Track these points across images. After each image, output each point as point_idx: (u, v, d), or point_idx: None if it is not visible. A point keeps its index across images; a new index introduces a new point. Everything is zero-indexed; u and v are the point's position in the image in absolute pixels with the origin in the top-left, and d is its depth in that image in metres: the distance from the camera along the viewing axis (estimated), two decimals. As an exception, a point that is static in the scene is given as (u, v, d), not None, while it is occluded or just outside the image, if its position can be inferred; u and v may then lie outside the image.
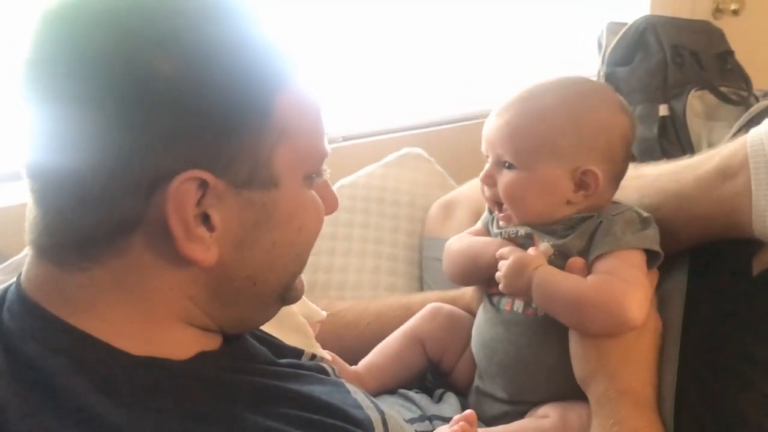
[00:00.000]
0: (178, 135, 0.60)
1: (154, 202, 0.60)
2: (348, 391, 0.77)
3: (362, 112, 1.80)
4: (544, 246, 0.91)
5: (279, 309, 0.76)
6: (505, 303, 0.96)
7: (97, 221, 0.61)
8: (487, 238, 1.00)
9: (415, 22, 1.85)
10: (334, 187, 1.43)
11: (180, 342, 0.67)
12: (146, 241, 0.62)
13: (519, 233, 0.95)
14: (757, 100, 1.86)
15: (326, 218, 1.40)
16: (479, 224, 1.06)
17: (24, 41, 0.60)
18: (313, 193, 0.71)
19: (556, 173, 0.92)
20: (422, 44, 1.88)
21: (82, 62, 0.59)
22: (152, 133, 0.59)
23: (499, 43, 2.05)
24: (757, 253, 0.90)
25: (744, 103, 1.88)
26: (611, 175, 0.94)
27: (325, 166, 0.73)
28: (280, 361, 0.77)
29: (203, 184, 0.61)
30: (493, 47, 2.04)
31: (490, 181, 0.96)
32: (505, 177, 0.94)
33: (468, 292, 1.10)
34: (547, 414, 0.91)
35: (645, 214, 0.92)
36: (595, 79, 1.98)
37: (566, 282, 0.87)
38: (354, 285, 1.38)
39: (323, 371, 0.81)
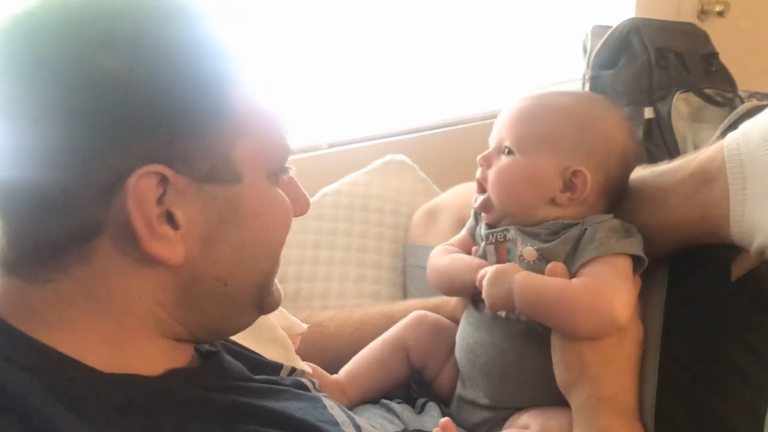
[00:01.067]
0: (131, 133, 0.59)
1: (115, 204, 0.60)
2: (325, 407, 0.77)
3: (346, 118, 1.79)
4: (527, 250, 0.91)
5: (255, 317, 0.74)
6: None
7: (59, 228, 0.60)
8: (467, 258, 1.00)
9: (398, 28, 1.85)
10: (318, 195, 1.45)
11: (151, 356, 0.66)
12: (111, 245, 0.61)
13: (507, 236, 0.94)
14: (743, 101, 1.87)
15: (309, 226, 1.44)
16: (464, 231, 1.06)
17: None
18: (279, 191, 0.70)
19: (547, 166, 0.93)
20: (406, 50, 1.88)
21: (32, 70, 0.59)
22: (105, 132, 0.59)
23: (484, 48, 2.05)
24: (735, 258, 0.89)
25: (729, 104, 1.88)
26: (601, 188, 0.94)
27: (290, 165, 0.72)
28: (256, 377, 0.76)
29: (163, 180, 0.60)
30: (477, 52, 2.04)
31: (485, 163, 0.97)
32: (501, 161, 0.95)
33: (451, 300, 1.10)
34: (528, 424, 0.90)
35: (627, 224, 0.92)
36: (580, 83, 1.99)
37: (549, 284, 0.87)
38: (338, 294, 1.38)
39: (301, 386, 0.80)
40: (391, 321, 1.10)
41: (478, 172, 0.98)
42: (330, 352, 1.09)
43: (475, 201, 0.98)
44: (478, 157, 0.98)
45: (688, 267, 0.93)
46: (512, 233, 0.94)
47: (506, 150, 0.95)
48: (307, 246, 1.42)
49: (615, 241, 0.88)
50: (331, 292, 1.39)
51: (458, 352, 0.99)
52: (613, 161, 0.94)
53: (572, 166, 0.92)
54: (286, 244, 1.36)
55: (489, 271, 0.89)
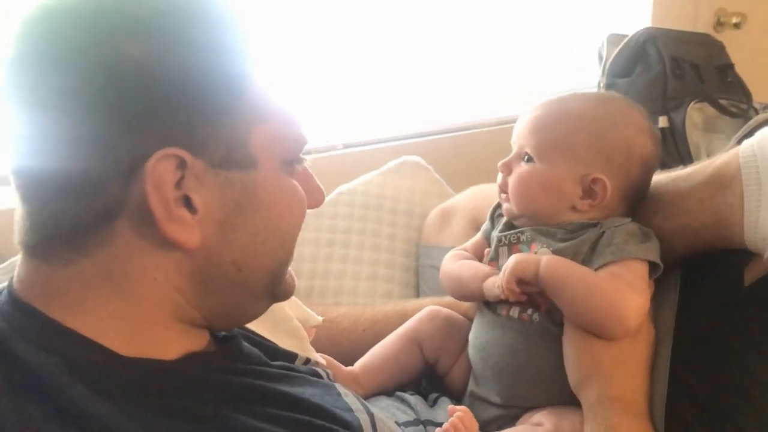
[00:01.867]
0: (151, 116, 0.60)
1: (134, 186, 0.61)
2: (339, 394, 0.77)
3: (362, 120, 1.80)
4: (543, 251, 0.92)
5: (269, 305, 0.76)
6: (502, 308, 0.96)
7: (80, 210, 0.61)
8: (475, 266, 1.01)
9: (415, 31, 1.86)
10: (333, 194, 1.46)
11: (168, 341, 0.67)
12: (130, 227, 0.62)
13: (520, 238, 0.96)
14: (757, 112, 1.87)
15: (324, 224, 1.45)
16: (479, 235, 1.07)
17: (7, 44, 0.62)
18: (294, 181, 0.71)
19: (567, 174, 0.93)
20: (422, 53, 1.88)
21: (55, 55, 0.60)
22: (125, 115, 0.60)
23: (500, 54, 2.06)
24: (748, 263, 0.90)
25: (743, 115, 1.88)
26: (622, 192, 0.95)
27: (305, 156, 0.73)
28: (273, 362, 0.77)
29: (182, 164, 0.61)
30: (493, 58, 2.04)
31: (506, 169, 0.98)
32: (521, 168, 0.96)
33: (458, 307, 1.11)
34: (541, 422, 0.91)
35: (645, 228, 0.93)
36: (595, 89, 2.00)
37: (575, 266, 0.89)
38: (350, 291, 1.38)
39: (316, 374, 0.81)
40: (403, 318, 1.11)
41: (499, 178, 0.99)
42: (343, 348, 1.10)
43: (498, 206, 1.00)
44: (499, 164, 0.99)
45: (700, 271, 0.93)
46: (527, 235, 0.95)
47: (526, 156, 0.96)
48: (321, 244, 1.43)
49: (633, 246, 0.89)
50: (344, 289, 1.39)
51: (471, 351, 1.00)
52: (634, 165, 0.95)
53: (591, 173, 0.93)
54: (300, 241, 1.38)
55: (511, 258, 0.91)
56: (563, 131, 0.95)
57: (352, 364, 1.04)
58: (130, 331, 0.64)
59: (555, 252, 0.91)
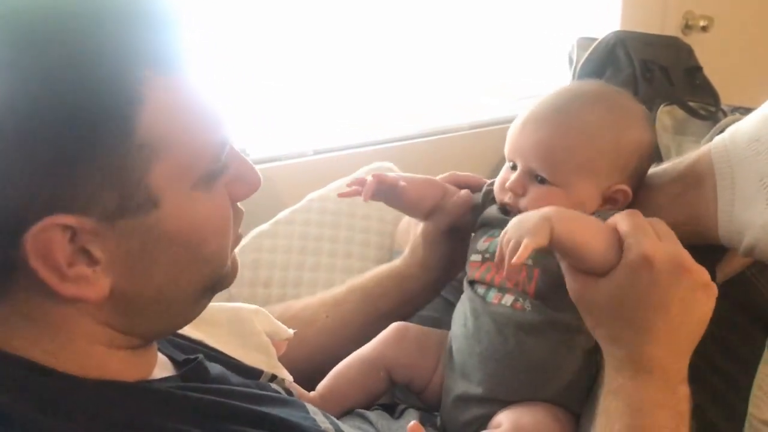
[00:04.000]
0: (26, 179, 0.54)
1: (21, 250, 0.55)
2: (307, 412, 0.76)
3: (332, 125, 1.79)
4: None
5: (210, 300, 0.71)
6: (493, 296, 0.94)
7: None
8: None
9: (385, 35, 1.85)
10: (304, 201, 1.45)
11: (117, 368, 0.64)
12: (33, 283, 0.57)
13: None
14: (725, 115, 1.88)
15: (296, 231, 1.43)
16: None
17: None
18: (215, 196, 0.65)
19: (590, 191, 0.92)
20: (392, 58, 1.88)
21: None
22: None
23: (471, 59, 2.06)
24: (720, 261, 0.90)
25: (712, 118, 1.89)
26: (634, 188, 0.95)
27: (230, 151, 0.66)
28: (235, 380, 0.75)
29: (69, 227, 0.56)
30: (464, 62, 2.05)
31: (520, 191, 0.94)
32: (538, 191, 0.93)
33: (413, 263, 1.09)
34: (500, 423, 0.89)
35: None
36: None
37: (587, 217, 0.84)
38: (323, 300, 1.37)
39: (284, 392, 0.79)
40: (366, 294, 1.08)
41: (509, 197, 0.95)
42: (309, 340, 1.05)
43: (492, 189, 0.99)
44: (508, 185, 0.94)
45: None
46: None
47: (539, 178, 0.93)
48: (293, 251, 1.41)
49: None
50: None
51: (456, 340, 0.97)
52: (644, 163, 0.96)
53: (613, 185, 0.92)
54: (271, 248, 1.37)
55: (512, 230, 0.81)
56: (582, 152, 0.91)
57: (319, 358, 1.02)
58: (68, 362, 0.61)
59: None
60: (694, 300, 0.76)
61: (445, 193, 1.04)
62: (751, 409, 0.88)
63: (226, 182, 0.66)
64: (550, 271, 0.89)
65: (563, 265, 0.82)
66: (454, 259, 1.06)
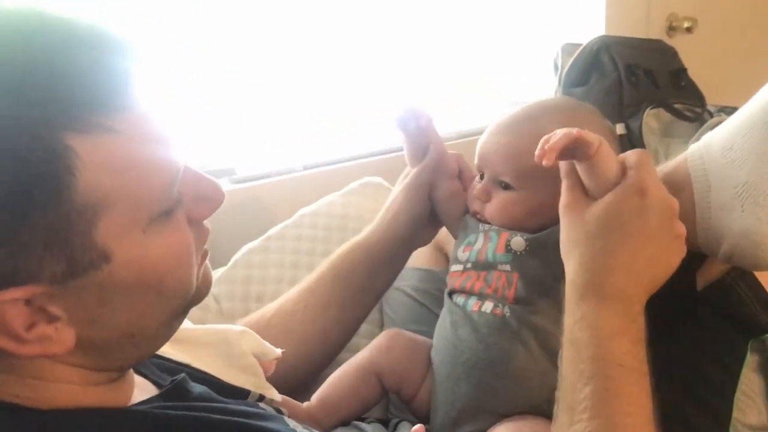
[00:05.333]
0: None
1: None
2: (287, 425, 0.76)
3: (320, 140, 1.80)
4: (516, 240, 0.92)
5: (182, 320, 0.70)
6: (472, 304, 0.95)
7: None
8: None
9: (370, 49, 1.86)
10: (295, 216, 1.46)
11: (97, 396, 0.64)
12: None
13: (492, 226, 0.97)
14: (711, 115, 1.89)
15: (287, 246, 1.44)
16: None
17: None
18: (168, 230, 0.62)
19: (552, 197, 0.92)
20: (378, 71, 1.89)
21: None
22: None
23: (457, 68, 2.07)
24: (700, 268, 0.91)
25: (699, 119, 1.91)
26: None
27: (184, 176, 0.63)
28: (218, 398, 0.76)
29: (16, 301, 0.55)
30: (450, 72, 2.05)
31: (485, 197, 0.97)
32: (502, 196, 0.96)
33: (385, 235, 1.09)
34: None
35: None
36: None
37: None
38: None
39: (273, 416, 0.79)
40: (335, 273, 1.08)
41: (477, 204, 0.99)
42: (296, 333, 1.06)
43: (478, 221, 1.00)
44: (476, 192, 0.98)
45: None
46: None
47: (503, 184, 0.95)
48: (285, 266, 1.41)
49: None
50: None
51: (439, 354, 0.98)
52: None
53: None
54: (263, 264, 1.37)
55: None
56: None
57: (306, 350, 1.03)
58: (47, 399, 0.61)
59: (529, 241, 0.92)
60: (669, 243, 0.80)
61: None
62: (735, 413, 0.89)
63: (186, 208, 0.65)
64: (528, 276, 0.91)
65: (565, 182, 0.84)
66: (423, 220, 1.08)
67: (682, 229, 0.81)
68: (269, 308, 1.11)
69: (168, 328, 0.68)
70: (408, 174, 1.11)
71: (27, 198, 0.52)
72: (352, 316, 1.07)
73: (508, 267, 0.93)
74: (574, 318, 0.78)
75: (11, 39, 0.54)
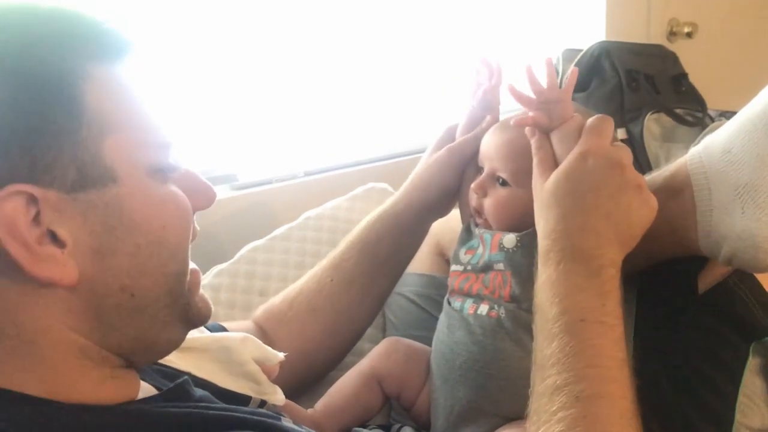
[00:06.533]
0: None
1: None
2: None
3: (322, 146, 1.80)
4: (508, 237, 0.93)
5: (185, 330, 0.72)
6: (468, 308, 0.96)
7: None
8: None
9: (371, 54, 1.87)
10: (300, 219, 1.46)
11: (94, 390, 0.64)
12: (1, 276, 0.59)
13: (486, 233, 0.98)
14: (712, 120, 1.90)
15: (292, 247, 1.44)
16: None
17: None
18: (170, 188, 0.67)
19: None
20: (380, 77, 1.89)
21: None
22: None
23: (459, 73, 2.07)
24: (701, 271, 0.91)
25: (699, 123, 1.91)
26: None
27: (177, 159, 0.68)
28: (221, 404, 0.75)
29: (32, 200, 0.57)
30: (452, 77, 2.05)
31: (481, 191, 0.98)
32: (498, 192, 0.97)
33: (401, 197, 1.10)
34: None
35: None
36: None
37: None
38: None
39: (271, 416, 0.79)
40: (362, 244, 1.09)
41: (474, 199, 0.99)
42: (323, 310, 1.07)
43: (475, 225, 1.01)
44: (473, 185, 0.99)
45: (655, 282, 0.95)
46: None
47: (501, 180, 0.97)
48: (289, 266, 1.41)
49: None
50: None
51: (436, 358, 0.99)
52: None
53: None
54: (267, 262, 1.38)
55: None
56: None
57: (338, 325, 1.05)
58: (48, 382, 0.61)
59: (519, 238, 0.93)
60: (628, 196, 0.81)
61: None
62: (738, 416, 0.89)
63: (182, 188, 0.69)
64: (522, 273, 0.92)
65: (535, 158, 0.89)
66: (452, 193, 1.08)
67: (638, 178, 0.83)
68: (292, 289, 1.11)
69: (166, 323, 0.68)
70: (440, 142, 1.11)
71: (44, 100, 0.58)
72: (377, 292, 1.08)
73: (502, 266, 0.94)
74: (539, 283, 0.80)
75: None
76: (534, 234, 0.90)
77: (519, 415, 0.90)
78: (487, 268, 0.96)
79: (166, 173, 0.66)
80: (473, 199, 1.00)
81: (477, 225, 1.01)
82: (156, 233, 0.64)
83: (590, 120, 0.86)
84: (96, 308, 0.63)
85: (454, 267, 1.01)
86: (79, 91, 0.60)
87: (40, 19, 0.62)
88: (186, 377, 0.74)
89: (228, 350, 0.85)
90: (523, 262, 0.91)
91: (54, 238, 0.59)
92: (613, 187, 0.81)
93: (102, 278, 0.62)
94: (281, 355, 0.91)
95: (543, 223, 0.83)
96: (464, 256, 1.00)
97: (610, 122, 0.85)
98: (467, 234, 1.02)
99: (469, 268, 0.98)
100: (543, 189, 0.84)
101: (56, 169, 0.58)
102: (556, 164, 0.86)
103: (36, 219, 0.58)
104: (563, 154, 0.86)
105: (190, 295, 0.70)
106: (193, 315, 0.71)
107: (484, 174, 0.99)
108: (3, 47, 0.58)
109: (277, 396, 0.88)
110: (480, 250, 0.98)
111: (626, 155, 0.83)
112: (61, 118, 0.59)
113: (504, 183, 0.96)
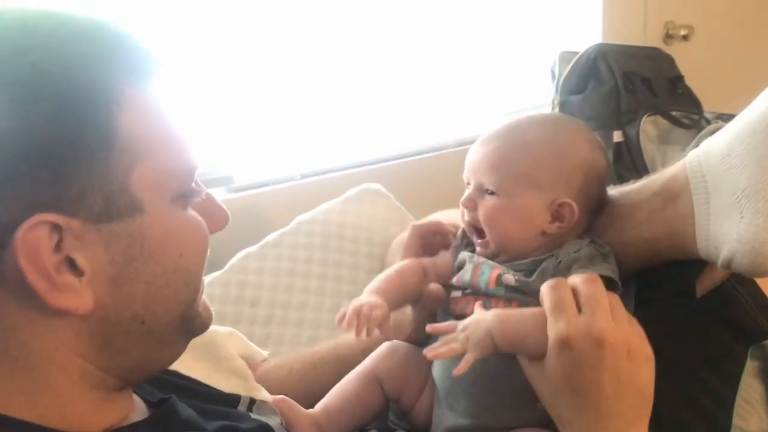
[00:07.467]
0: (10, 182, 0.55)
1: (7, 259, 0.56)
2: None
3: (319, 148, 1.80)
4: (506, 277, 0.92)
5: (185, 345, 0.71)
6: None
7: None
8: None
9: (368, 58, 1.86)
10: (292, 224, 1.46)
11: (86, 414, 0.63)
12: (14, 299, 0.57)
13: (485, 265, 0.96)
14: (708, 122, 1.90)
15: (284, 254, 1.44)
16: (448, 253, 1.05)
17: None
18: (190, 213, 0.66)
19: (534, 203, 0.93)
20: (376, 79, 1.89)
21: None
22: None
23: (455, 77, 2.07)
24: (699, 275, 0.91)
25: (696, 126, 1.91)
26: (584, 209, 0.95)
27: (199, 184, 0.68)
28: (210, 424, 0.74)
29: (56, 228, 0.56)
30: (447, 80, 2.06)
31: (470, 205, 0.97)
32: (486, 203, 0.96)
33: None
34: None
35: (605, 248, 0.92)
36: (549, 108, 2.02)
37: (527, 310, 0.85)
38: (312, 323, 1.37)
39: (263, 428, 0.79)
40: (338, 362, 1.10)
41: (466, 215, 0.98)
42: (313, 383, 1.08)
43: (477, 245, 0.99)
44: (462, 200, 0.98)
45: (653, 286, 0.94)
46: (490, 266, 0.95)
47: (488, 191, 0.96)
48: (281, 273, 1.41)
49: (593, 267, 0.89)
50: (305, 321, 1.38)
51: (438, 371, 0.98)
52: (592, 182, 0.96)
53: (557, 198, 0.93)
54: (258, 270, 1.37)
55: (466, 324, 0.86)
56: (524, 164, 0.94)
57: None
58: (42, 407, 0.61)
59: (519, 281, 0.91)
60: (626, 370, 0.75)
61: (422, 280, 1.02)
62: (735, 420, 0.89)
63: (198, 210, 0.68)
64: (526, 302, 0.89)
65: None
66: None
67: (625, 343, 0.76)
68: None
69: (169, 341, 0.68)
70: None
71: (77, 128, 0.57)
72: None
73: (502, 291, 0.93)
74: None
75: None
76: (534, 282, 0.89)
77: (519, 425, 0.91)
78: (485, 294, 0.95)
79: (189, 198, 0.66)
80: (465, 214, 0.98)
81: (473, 251, 0.99)
82: (173, 261, 0.64)
83: (548, 293, 0.79)
84: (104, 335, 0.62)
85: (453, 293, 1.00)
86: (113, 118, 0.59)
87: (79, 35, 0.60)
88: (172, 396, 0.73)
89: (215, 346, 0.85)
90: (526, 297, 0.90)
91: (72, 265, 0.58)
92: (612, 368, 0.74)
93: (115, 306, 0.61)
94: (265, 353, 0.91)
95: (552, 409, 0.81)
96: (456, 284, 0.98)
97: (562, 286, 0.79)
98: (461, 265, 1.00)
99: (468, 291, 0.97)
100: (540, 373, 0.80)
101: (84, 198, 0.58)
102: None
103: (57, 246, 0.57)
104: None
105: (196, 308, 0.69)
106: (197, 326, 0.70)
107: (471, 188, 0.98)
108: (42, 66, 0.57)
109: (263, 392, 0.87)
110: (467, 274, 0.96)
111: (606, 324, 0.75)
112: (94, 146, 0.58)
113: (491, 194, 0.96)
